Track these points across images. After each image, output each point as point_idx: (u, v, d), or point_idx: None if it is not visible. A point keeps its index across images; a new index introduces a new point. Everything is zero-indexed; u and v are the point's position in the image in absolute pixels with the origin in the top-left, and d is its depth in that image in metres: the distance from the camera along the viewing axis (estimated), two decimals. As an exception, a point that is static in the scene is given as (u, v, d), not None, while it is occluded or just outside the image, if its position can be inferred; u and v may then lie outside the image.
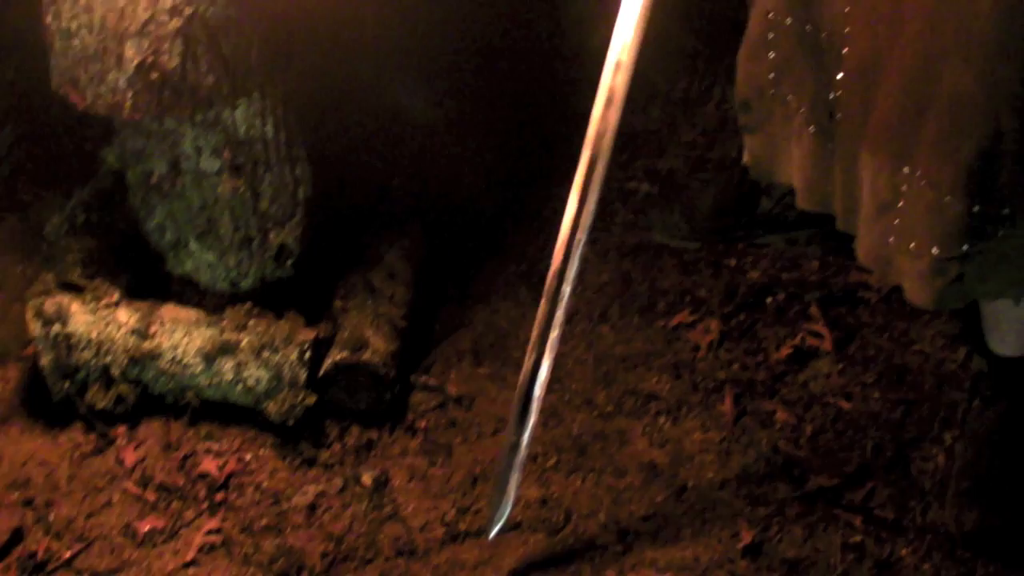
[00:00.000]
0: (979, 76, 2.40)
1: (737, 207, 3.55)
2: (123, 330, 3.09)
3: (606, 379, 3.27)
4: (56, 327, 3.08)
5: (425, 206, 3.62)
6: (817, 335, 3.35)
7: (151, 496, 3.05)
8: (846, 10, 2.59)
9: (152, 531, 2.99)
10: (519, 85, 4.10)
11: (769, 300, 3.43)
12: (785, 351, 3.31)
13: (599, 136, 2.52)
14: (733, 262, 3.53)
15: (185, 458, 3.12)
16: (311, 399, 3.08)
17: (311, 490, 3.06)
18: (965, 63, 2.40)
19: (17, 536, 2.97)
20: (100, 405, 3.12)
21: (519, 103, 4.04)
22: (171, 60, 2.77)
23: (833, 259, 3.51)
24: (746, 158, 3.11)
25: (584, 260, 2.56)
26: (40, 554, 2.93)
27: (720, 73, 4.03)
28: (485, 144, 3.90)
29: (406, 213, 3.55)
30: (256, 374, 3.07)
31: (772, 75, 2.87)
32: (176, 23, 2.74)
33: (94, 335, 3.09)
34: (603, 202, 3.35)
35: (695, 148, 3.88)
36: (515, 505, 2.81)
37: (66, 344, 3.09)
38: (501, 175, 3.82)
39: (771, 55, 2.85)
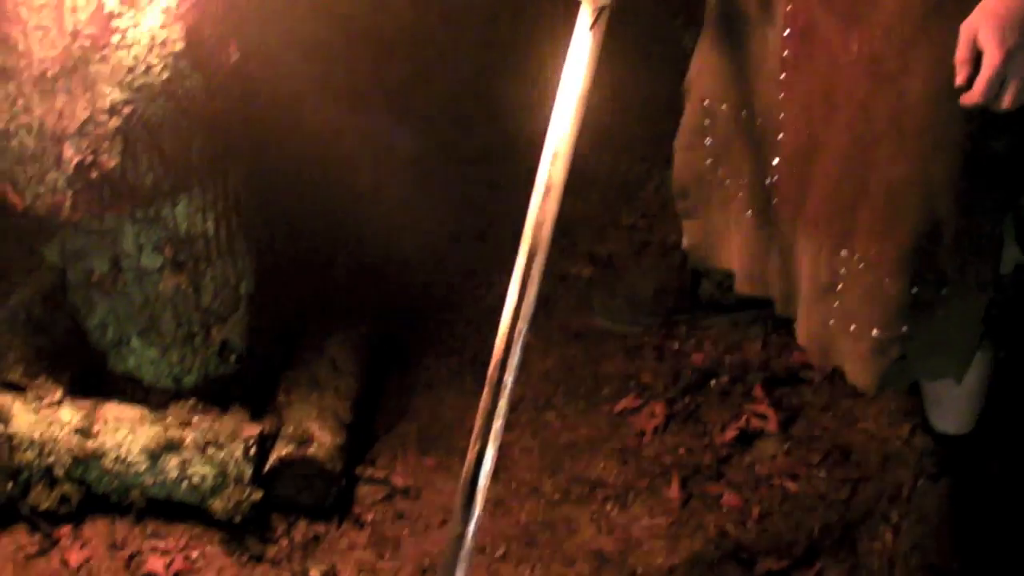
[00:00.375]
0: (912, 162, 2.43)
1: (679, 291, 3.56)
2: (66, 429, 3.07)
3: (552, 467, 3.26)
4: (-2, 428, 3.07)
5: (369, 296, 3.62)
6: (761, 416, 3.35)
7: (97, 597, 3.03)
8: (780, 96, 2.62)
9: (98, 633, 2.97)
10: (462, 172, 4.11)
11: (713, 383, 3.44)
12: (730, 433, 3.32)
13: (538, 226, 2.53)
14: (676, 345, 3.54)
15: (131, 557, 3.08)
16: (257, 495, 3.06)
17: (259, 587, 3.05)
18: (898, 149, 2.43)
19: (-40, 641, 2.94)
20: (44, 506, 3.09)
21: (465, 192, 4.04)
22: (111, 159, 2.77)
23: (775, 339, 3.52)
24: (685, 243, 3.13)
25: (526, 348, 2.56)
26: (-17, 660, 2.91)
27: (659, 156, 4.05)
28: (429, 231, 3.90)
29: (350, 303, 3.55)
30: (201, 471, 3.05)
31: (709, 161, 2.89)
32: (115, 122, 2.74)
33: (37, 435, 3.06)
34: (545, 289, 3.37)
35: (635, 232, 3.89)
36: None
37: (8, 445, 3.06)
38: (445, 262, 3.82)
39: (708, 142, 2.87)
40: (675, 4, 4.44)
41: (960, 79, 2.24)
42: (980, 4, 2.21)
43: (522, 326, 2.54)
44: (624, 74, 4.31)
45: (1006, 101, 2.23)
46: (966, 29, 2.22)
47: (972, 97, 2.23)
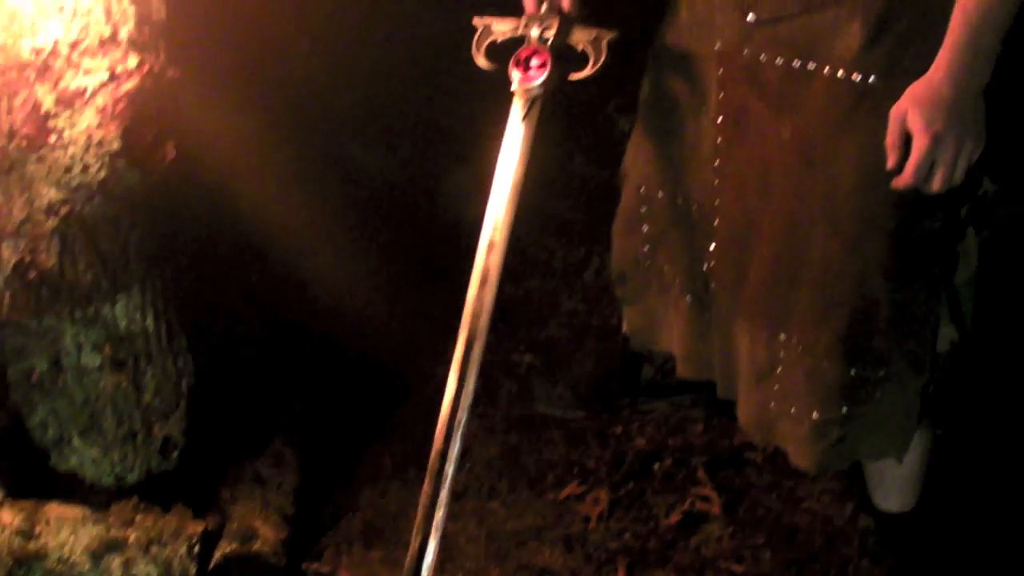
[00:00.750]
0: (846, 245, 2.46)
1: (620, 375, 3.57)
2: (7, 531, 3.04)
3: (498, 556, 3.24)
4: (-61, 533, 3.04)
5: (312, 385, 3.61)
6: (706, 499, 3.35)
7: None
8: (715, 183, 2.65)
9: None
10: (401, 264, 4.12)
11: (656, 466, 3.44)
12: (675, 517, 3.31)
13: (475, 316, 2.53)
14: (619, 430, 3.54)
15: (76, 658, 3.06)
16: (202, 593, 3.05)
17: None
18: (833, 232, 2.46)
19: None
20: (-14, 609, 3.07)
21: (403, 282, 4.05)
22: (48, 259, 2.76)
23: (718, 421, 3.53)
24: (626, 328, 3.15)
25: (469, 437, 2.56)
26: None
27: (597, 240, 4.07)
28: (372, 317, 3.90)
29: (293, 394, 3.54)
30: (145, 570, 3.02)
31: (647, 247, 2.91)
32: (53, 222, 2.74)
33: (-23, 538, 3.04)
34: (487, 376, 3.38)
35: (576, 317, 3.91)
36: None
37: (-51, 549, 3.04)
38: (388, 349, 3.82)
39: (645, 228, 2.90)
40: (609, 88, 4.47)
41: (891, 163, 2.28)
42: (908, 90, 2.26)
43: (462, 416, 2.54)
44: (561, 158, 4.36)
45: (936, 183, 2.27)
46: (895, 114, 2.26)
47: (903, 180, 2.28)
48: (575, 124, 4.51)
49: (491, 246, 2.55)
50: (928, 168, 2.26)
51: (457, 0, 3.06)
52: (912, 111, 2.24)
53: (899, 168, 2.28)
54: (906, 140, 2.26)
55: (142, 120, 2.79)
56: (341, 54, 4.42)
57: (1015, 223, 3.82)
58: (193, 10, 2.97)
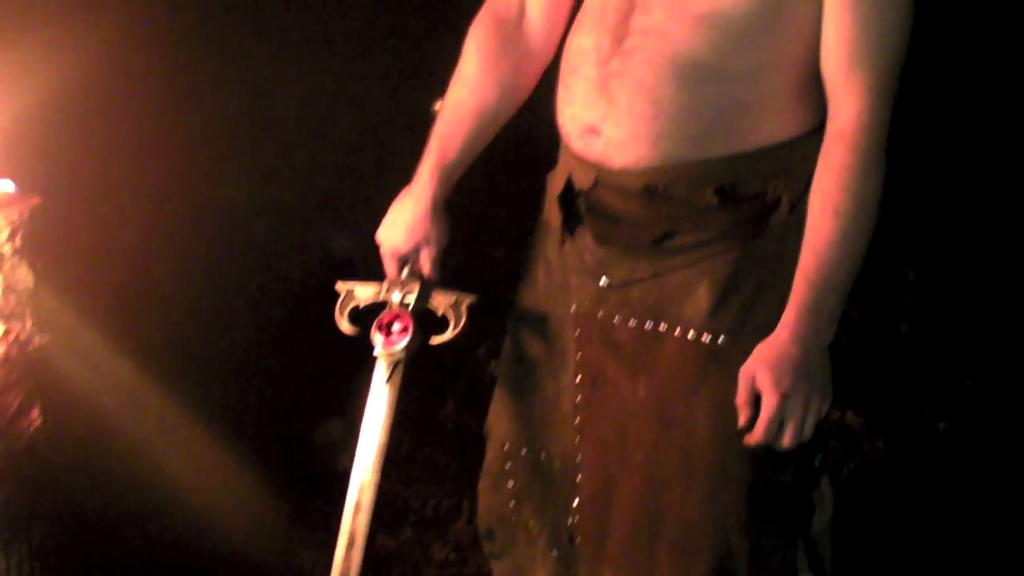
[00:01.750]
0: (703, 499, 2.51)
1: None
2: None
3: None
4: None
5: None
6: None
7: None
8: (576, 440, 2.70)
9: None
10: (275, 515, 4.10)
11: None
12: None
13: (342, 581, 2.55)
14: None
15: None
16: None
17: None
18: (690, 488, 2.51)
19: None
20: None
21: (280, 535, 4.03)
22: (-91, 531, 2.75)
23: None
24: (495, 583, 3.16)
25: None
26: None
27: (469, 488, 4.08)
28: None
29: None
30: None
31: (513, 503, 2.94)
32: (-84, 493, 2.73)
33: None
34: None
35: (448, 567, 3.90)
36: None
37: None
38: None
39: (510, 484, 2.93)
40: (480, 333, 4.53)
41: (742, 421, 2.35)
42: (756, 350, 2.34)
43: None
44: (432, 403, 4.40)
45: (786, 439, 2.33)
46: (744, 374, 2.34)
47: (755, 437, 2.34)
48: (446, 369, 4.56)
49: (358, 507, 2.57)
50: (777, 425, 2.32)
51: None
52: (760, 371, 2.31)
53: (750, 426, 2.35)
54: (756, 399, 2.33)
55: (7, 389, 2.80)
56: (213, 295, 4.47)
57: (878, 456, 3.90)
58: (59, 275, 3.00)
